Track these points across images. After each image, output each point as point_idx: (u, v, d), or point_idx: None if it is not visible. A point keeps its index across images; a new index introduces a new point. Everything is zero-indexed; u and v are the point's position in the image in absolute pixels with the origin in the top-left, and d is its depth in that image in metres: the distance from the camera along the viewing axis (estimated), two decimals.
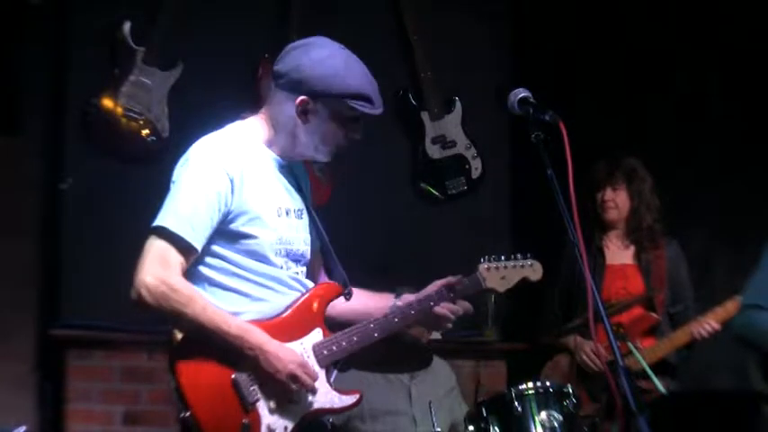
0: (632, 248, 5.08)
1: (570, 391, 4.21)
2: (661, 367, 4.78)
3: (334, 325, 3.34)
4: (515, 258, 3.49)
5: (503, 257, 3.47)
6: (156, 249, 3.16)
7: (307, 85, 3.20)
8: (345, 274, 3.40)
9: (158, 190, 5.38)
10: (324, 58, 3.23)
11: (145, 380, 5.44)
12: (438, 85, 5.78)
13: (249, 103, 5.51)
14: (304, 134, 3.25)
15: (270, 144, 3.29)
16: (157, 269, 3.12)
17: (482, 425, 4.21)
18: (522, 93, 3.19)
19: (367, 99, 3.23)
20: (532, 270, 3.48)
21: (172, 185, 3.25)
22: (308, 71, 3.21)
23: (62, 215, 5.44)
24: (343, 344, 3.28)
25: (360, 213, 5.55)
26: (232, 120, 5.31)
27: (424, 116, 5.79)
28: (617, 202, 5.06)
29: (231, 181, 3.17)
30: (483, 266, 3.47)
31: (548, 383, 4.26)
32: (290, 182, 3.33)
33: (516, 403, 4.13)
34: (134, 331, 5.36)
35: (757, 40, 5.80)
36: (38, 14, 5.41)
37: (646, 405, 2.79)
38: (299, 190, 3.36)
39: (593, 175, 5.07)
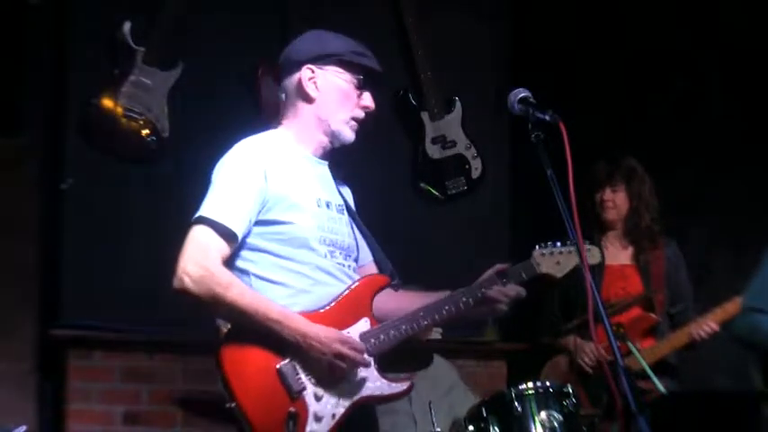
0: (631, 249, 5.09)
1: (570, 391, 4.21)
2: (661, 367, 4.78)
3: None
4: (571, 243, 3.44)
5: (558, 243, 3.45)
6: (196, 238, 3.20)
7: (301, 57, 3.33)
8: (392, 266, 3.42)
9: (158, 190, 5.45)
10: (306, 35, 3.40)
11: (145, 380, 5.45)
12: (438, 85, 5.78)
13: (249, 103, 5.53)
14: (322, 107, 3.32)
15: (300, 142, 3.36)
16: (198, 256, 3.16)
17: (482, 425, 4.20)
18: (522, 93, 3.19)
19: (362, 54, 3.32)
20: (590, 255, 3.46)
21: (210, 185, 3.31)
22: (298, 47, 3.37)
23: (62, 215, 5.44)
24: (392, 332, 3.29)
25: (360, 213, 5.55)
26: (232, 120, 5.33)
27: (424, 116, 5.79)
28: (616, 202, 5.06)
29: (265, 171, 3.23)
30: (537, 252, 3.48)
31: (548, 383, 4.26)
32: (327, 179, 3.39)
33: (516, 403, 4.13)
34: (134, 331, 5.37)
35: (757, 40, 5.80)
36: (38, 15, 5.42)
37: (646, 405, 2.79)
38: (338, 190, 3.43)
39: (593, 175, 5.07)
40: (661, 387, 4.53)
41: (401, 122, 5.84)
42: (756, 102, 5.79)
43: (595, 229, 5.06)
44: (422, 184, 5.81)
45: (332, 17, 5.62)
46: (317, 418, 3.15)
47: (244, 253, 3.25)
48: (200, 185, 5.43)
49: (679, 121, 5.89)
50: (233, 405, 3.12)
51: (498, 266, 3.46)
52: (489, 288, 3.41)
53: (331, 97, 3.32)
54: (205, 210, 3.22)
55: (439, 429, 4.52)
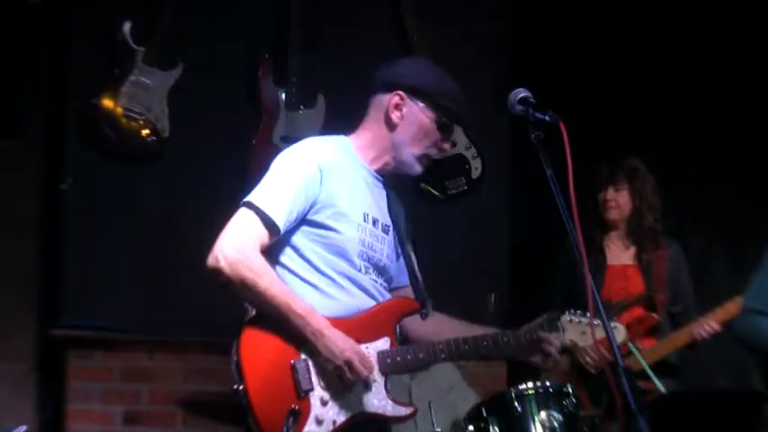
0: (633, 249, 5.09)
1: (570, 391, 4.21)
2: (661, 367, 4.78)
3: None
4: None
5: (587, 313, 3.40)
6: (240, 222, 3.22)
7: (397, 81, 3.36)
8: (427, 294, 3.43)
9: (158, 190, 5.45)
10: (419, 63, 3.57)
11: (145, 380, 5.45)
12: None
13: (249, 102, 5.53)
14: (398, 136, 3.35)
15: (365, 157, 3.39)
16: (238, 239, 3.19)
17: (482, 425, 4.20)
18: (522, 93, 3.20)
19: (454, 99, 3.36)
20: (616, 332, 3.44)
21: (266, 172, 3.32)
22: (399, 70, 3.40)
23: (62, 215, 5.44)
24: (408, 357, 3.32)
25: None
26: (232, 120, 5.32)
27: None
28: (618, 202, 5.07)
29: (321, 171, 3.25)
30: (565, 318, 3.47)
31: (548, 383, 4.26)
32: (380, 197, 3.42)
33: (516, 403, 4.13)
34: (134, 331, 5.37)
35: (757, 40, 5.80)
36: (38, 14, 5.42)
37: (646, 405, 2.79)
38: (389, 209, 3.44)
39: (596, 175, 5.07)
40: (661, 387, 4.53)
41: None
42: (756, 102, 5.79)
43: (597, 228, 5.07)
44: (422, 184, 5.80)
45: (332, 18, 5.62)
46: (318, 421, 3.17)
47: (284, 247, 3.27)
48: (201, 185, 5.47)
49: (679, 121, 5.89)
50: (240, 388, 3.13)
51: (526, 329, 3.44)
52: (516, 340, 3.39)
53: (411, 130, 3.35)
54: (254, 196, 3.24)
55: (439, 429, 4.52)
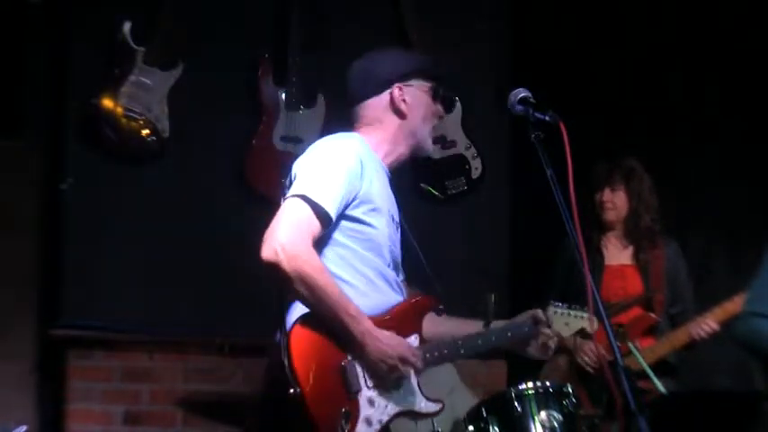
0: (631, 249, 5.09)
1: (570, 391, 4.21)
2: (661, 367, 4.78)
3: None
4: (577, 308, 3.69)
5: (574, 306, 3.67)
6: (294, 214, 3.16)
7: (390, 75, 3.42)
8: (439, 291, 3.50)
9: (158, 190, 5.45)
10: (385, 52, 3.53)
11: (145, 380, 5.45)
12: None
13: (249, 103, 5.53)
14: (410, 122, 3.43)
15: (379, 151, 3.44)
16: (295, 234, 3.12)
17: (482, 425, 4.20)
18: (522, 93, 3.20)
19: (432, 65, 3.52)
20: (589, 322, 3.57)
21: (300, 169, 3.27)
22: (386, 65, 3.46)
23: (62, 215, 5.44)
24: (435, 353, 3.37)
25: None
26: (232, 119, 5.31)
27: None
28: (615, 202, 5.07)
29: (362, 165, 3.27)
30: (550, 310, 3.65)
31: (548, 383, 4.26)
32: (391, 192, 3.46)
33: (516, 403, 4.13)
34: (134, 331, 5.37)
35: (757, 40, 5.80)
36: (38, 14, 5.41)
37: (646, 405, 2.79)
38: (397, 205, 3.49)
39: (592, 175, 5.07)
40: (661, 387, 4.53)
41: None
42: (756, 102, 5.79)
43: (595, 229, 5.07)
44: (422, 184, 5.81)
45: (333, 17, 5.62)
46: (368, 422, 3.19)
47: (319, 242, 3.24)
48: (201, 185, 5.47)
49: (679, 121, 5.89)
50: (297, 391, 3.08)
51: (534, 313, 3.63)
52: (527, 333, 3.57)
53: (419, 112, 3.44)
54: (305, 187, 3.18)
55: (439, 430, 4.52)
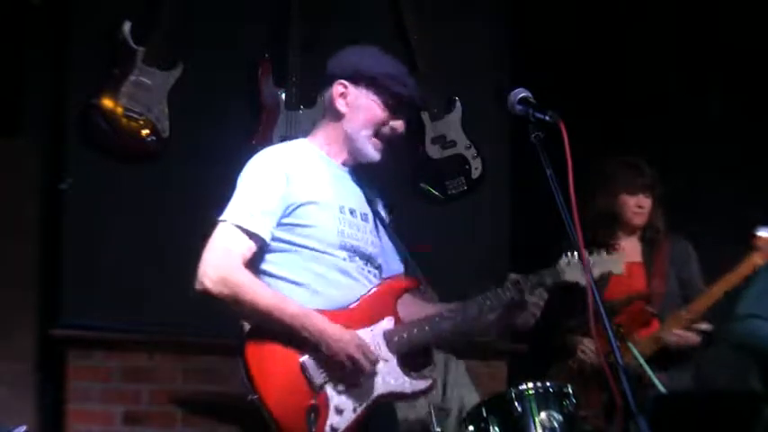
0: (640, 246, 5.09)
1: (570, 391, 4.21)
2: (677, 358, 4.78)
3: None
4: (596, 253, 3.59)
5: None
6: (218, 241, 3.25)
7: (336, 72, 3.40)
8: (420, 273, 3.49)
9: (158, 190, 5.45)
10: (349, 49, 3.48)
11: (145, 380, 5.45)
12: (438, 85, 5.78)
13: (249, 102, 5.53)
14: (349, 124, 3.39)
15: (329, 152, 3.43)
16: (219, 258, 3.22)
17: (482, 425, 4.21)
18: (522, 93, 3.20)
19: (399, 80, 3.38)
20: (614, 263, 3.50)
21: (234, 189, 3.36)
22: (338, 61, 3.44)
23: (62, 215, 5.44)
24: (415, 331, 3.34)
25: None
26: (232, 120, 5.32)
27: (424, 116, 5.79)
28: (647, 208, 5.06)
29: (287, 175, 3.29)
30: (563, 260, 3.54)
31: (548, 383, 4.26)
32: (353, 188, 3.44)
33: (516, 403, 4.13)
34: (134, 331, 5.37)
35: (757, 40, 5.80)
36: (38, 15, 5.41)
37: (645, 404, 2.79)
38: (365, 197, 3.47)
39: (619, 177, 5.03)
40: (659, 384, 4.53)
41: None
42: (756, 102, 5.79)
43: (607, 228, 5.02)
44: (422, 184, 5.81)
45: (332, 17, 5.62)
46: (338, 411, 3.20)
47: (264, 255, 3.30)
48: (201, 185, 5.47)
49: (679, 121, 5.89)
50: (255, 398, 3.15)
51: (513, 275, 3.50)
52: (518, 294, 3.45)
53: (358, 115, 3.38)
54: (229, 212, 3.28)
55: (439, 429, 4.52)
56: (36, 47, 5.45)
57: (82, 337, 5.37)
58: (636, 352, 4.61)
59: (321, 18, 5.58)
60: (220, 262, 3.20)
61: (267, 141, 5.43)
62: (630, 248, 5.09)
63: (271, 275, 3.29)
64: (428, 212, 5.82)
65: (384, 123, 3.39)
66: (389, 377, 3.28)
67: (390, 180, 5.73)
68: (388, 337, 3.31)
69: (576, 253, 3.47)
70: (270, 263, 3.30)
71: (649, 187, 5.04)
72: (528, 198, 5.47)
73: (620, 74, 5.93)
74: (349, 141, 3.40)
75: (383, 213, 3.54)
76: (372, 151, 3.41)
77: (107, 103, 5.38)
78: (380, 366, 3.27)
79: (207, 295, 3.21)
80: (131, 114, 5.38)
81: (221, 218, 3.28)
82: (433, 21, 5.82)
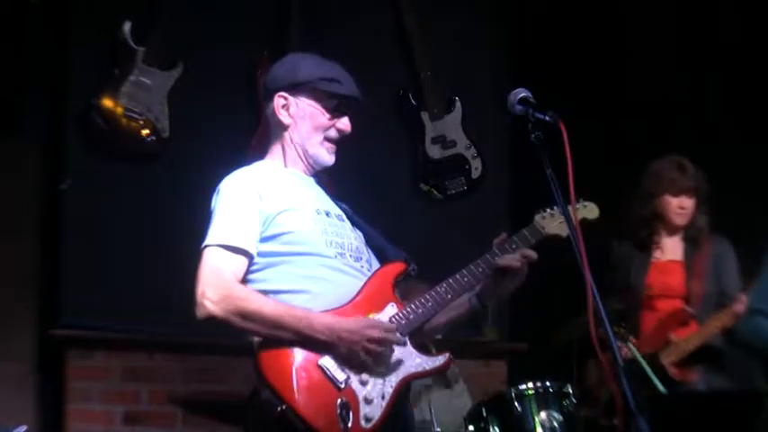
0: (682, 246, 5.10)
1: (570, 391, 4.21)
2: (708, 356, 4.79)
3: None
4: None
5: (555, 206, 3.44)
6: (207, 265, 3.24)
7: (276, 84, 3.40)
8: (404, 253, 3.48)
9: (158, 190, 5.45)
10: (281, 61, 3.50)
11: (145, 380, 5.45)
12: (438, 85, 5.78)
13: (249, 102, 5.52)
14: (296, 133, 3.40)
15: (287, 164, 3.43)
16: (213, 279, 3.20)
17: (482, 425, 4.21)
18: (522, 93, 3.19)
19: (334, 80, 3.38)
20: (588, 210, 3.50)
21: (210, 217, 3.35)
22: (273, 75, 3.45)
23: (62, 215, 5.44)
24: (420, 311, 3.34)
25: (359, 213, 5.54)
26: (232, 120, 5.32)
27: (424, 116, 5.79)
28: (690, 209, 5.07)
29: (258, 191, 3.30)
30: (539, 216, 3.53)
31: (548, 383, 4.27)
32: (320, 192, 3.45)
33: (516, 403, 4.14)
34: (134, 331, 5.37)
35: (757, 40, 5.80)
36: (38, 15, 5.42)
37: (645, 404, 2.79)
38: (333, 201, 3.48)
39: (663, 177, 5.04)
40: (661, 387, 4.53)
41: (401, 122, 5.84)
42: (756, 102, 5.79)
43: (646, 227, 5.04)
44: (422, 184, 5.81)
45: (332, 17, 5.62)
46: (368, 401, 3.18)
47: (255, 273, 3.29)
48: (200, 186, 5.45)
49: (679, 121, 5.89)
50: (283, 408, 3.11)
51: (499, 238, 3.52)
52: (501, 256, 3.45)
53: (304, 124, 3.39)
54: (211, 236, 3.27)
55: (439, 430, 4.52)
56: (36, 47, 5.45)
57: (82, 337, 5.37)
58: (636, 353, 4.61)
59: (321, 18, 5.58)
60: (216, 283, 3.19)
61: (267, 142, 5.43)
62: (672, 247, 5.10)
63: (267, 292, 3.26)
64: (428, 212, 5.82)
65: (330, 126, 3.41)
66: (408, 359, 3.28)
67: (390, 180, 5.79)
68: (395, 321, 3.31)
69: (547, 208, 3.49)
70: (264, 281, 3.28)
71: (693, 188, 5.05)
72: (528, 198, 5.47)
73: (620, 74, 5.93)
74: (302, 151, 3.42)
75: (350, 210, 3.56)
76: (326, 155, 3.43)
77: (107, 103, 5.38)
78: (398, 350, 3.27)
79: (212, 319, 3.17)
80: (131, 114, 5.39)
81: (204, 244, 3.27)
82: (433, 21, 5.82)
